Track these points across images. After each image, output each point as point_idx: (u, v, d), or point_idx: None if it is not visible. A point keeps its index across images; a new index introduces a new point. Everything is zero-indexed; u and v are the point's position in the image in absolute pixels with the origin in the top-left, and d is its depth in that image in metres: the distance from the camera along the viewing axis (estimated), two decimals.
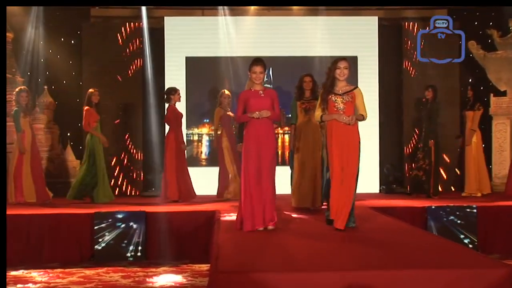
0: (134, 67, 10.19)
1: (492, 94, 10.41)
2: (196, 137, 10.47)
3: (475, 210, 7.18)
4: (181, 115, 8.81)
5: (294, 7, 10.32)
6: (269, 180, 5.74)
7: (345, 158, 5.65)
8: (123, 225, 7.17)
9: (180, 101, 8.86)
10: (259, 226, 5.66)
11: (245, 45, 10.22)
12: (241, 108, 5.83)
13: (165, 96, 8.79)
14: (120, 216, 7.18)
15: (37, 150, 8.75)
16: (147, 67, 10.13)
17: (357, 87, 5.83)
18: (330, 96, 5.71)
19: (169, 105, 8.73)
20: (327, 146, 5.83)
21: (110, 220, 7.16)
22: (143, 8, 9.92)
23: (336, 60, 5.79)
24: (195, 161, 10.25)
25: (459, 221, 7.10)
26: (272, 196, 5.77)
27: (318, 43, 10.31)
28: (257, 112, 5.69)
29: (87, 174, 8.61)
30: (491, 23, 10.46)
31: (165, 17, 10.32)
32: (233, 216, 6.99)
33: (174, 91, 8.72)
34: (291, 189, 7.80)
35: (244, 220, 5.71)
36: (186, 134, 10.04)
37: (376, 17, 10.61)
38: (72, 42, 10.08)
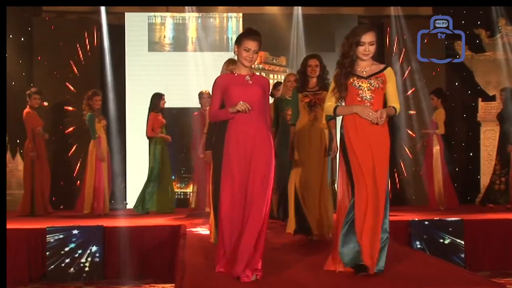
0: (91, 66, 10.22)
1: (480, 99, 10.68)
2: None
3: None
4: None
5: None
6: (260, 207, 4.43)
7: (373, 171, 4.47)
8: (78, 241, 7.15)
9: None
10: (237, 274, 4.34)
11: (212, 29, 10.47)
12: (217, 100, 4.66)
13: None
14: (75, 231, 7.15)
15: (106, 158, 9.12)
16: (106, 67, 10.17)
17: (387, 66, 4.65)
18: (351, 80, 4.52)
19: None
20: (344, 154, 4.59)
21: (63, 235, 7.12)
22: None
23: (357, 31, 4.51)
24: None
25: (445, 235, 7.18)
26: (262, 233, 4.44)
27: (295, 42, 10.43)
28: (241, 103, 4.42)
29: (151, 183, 9.04)
30: (479, 22, 10.69)
31: (125, 13, 10.40)
32: (201, 231, 7.02)
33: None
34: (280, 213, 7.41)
35: (218, 259, 4.62)
36: None
37: (356, 15, 10.73)
38: (22, 39, 10.02)
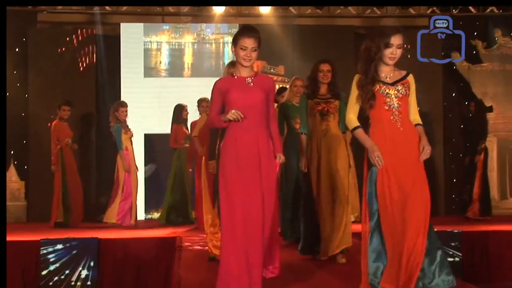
0: (87, 77, 10.23)
1: None
2: None
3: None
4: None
5: (265, 13, 10.54)
6: (266, 227, 4.15)
7: (409, 190, 4.04)
8: (73, 253, 7.07)
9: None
10: None
11: (208, 54, 10.44)
12: (216, 106, 4.33)
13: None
14: (69, 244, 7.06)
15: (134, 169, 9.24)
16: (101, 78, 10.21)
17: (409, 72, 4.35)
18: (377, 87, 4.19)
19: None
20: (371, 170, 4.15)
21: (59, 247, 7.09)
22: (97, 13, 10.03)
23: (386, 31, 4.21)
24: None
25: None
26: (275, 240, 4.30)
27: (290, 52, 10.46)
28: (232, 111, 4.07)
29: (175, 194, 9.29)
30: (475, 33, 10.78)
31: (121, 24, 10.44)
32: (196, 245, 7.02)
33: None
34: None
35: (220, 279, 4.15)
36: None
37: (352, 26, 10.81)
38: (17, 50, 10.04)
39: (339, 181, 5.89)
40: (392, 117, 4.09)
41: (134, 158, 9.16)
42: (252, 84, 4.23)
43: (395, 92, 4.13)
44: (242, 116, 4.03)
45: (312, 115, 6.05)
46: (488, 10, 10.74)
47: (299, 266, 5.74)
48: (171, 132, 9.22)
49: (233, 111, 4.02)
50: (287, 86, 7.97)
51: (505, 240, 7.63)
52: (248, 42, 4.18)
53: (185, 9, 10.26)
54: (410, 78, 4.20)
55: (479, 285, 6.67)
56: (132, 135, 9.20)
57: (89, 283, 7.05)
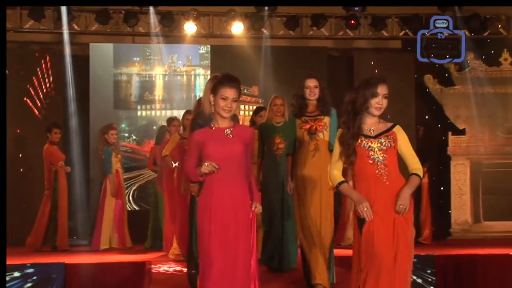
0: (53, 98, 10.30)
1: (450, 133, 10.91)
2: None
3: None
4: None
5: (237, 34, 10.71)
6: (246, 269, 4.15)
7: (395, 239, 4.11)
8: (36, 279, 6.98)
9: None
10: None
11: (179, 87, 10.66)
12: (192, 158, 4.26)
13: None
14: (30, 270, 6.91)
15: (123, 193, 9.54)
16: (69, 99, 10.24)
17: (396, 124, 4.36)
18: (359, 141, 4.21)
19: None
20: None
21: (21, 274, 6.95)
22: (65, 33, 10.08)
23: (370, 81, 4.25)
24: None
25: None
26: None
27: (263, 73, 10.61)
28: (205, 164, 4.05)
29: (154, 219, 9.54)
30: (447, 56, 10.92)
31: (90, 44, 10.55)
32: (162, 267, 7.08)
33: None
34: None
35: None
36: None
37: (325, 47, 10.99)
38: None
39: (328, 200, 5.87)
40: (377, 171, 4.08)
41: (122, 180, 9.40)
42: (231, 135, 4.13)
43: (378, 145, 4.12)
44: (217, 167, 3.97)
45: (300, 134, 5.96)
46: (459, 33, 10.83)
47: None
48: (149, 154, 9.39)
49: (206, 163, 3.97)
50: (263, 106, 8.02)
51: (479, 264, 7.69)
52: (229, 92, 4.08)
53: (156, 29, 10.44)
54: (397, 129, 4.19)
55: None
56: (120, 158, 9.42)
57: None
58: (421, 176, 4.16)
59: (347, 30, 10.79)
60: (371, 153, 4.11)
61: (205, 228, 4.07)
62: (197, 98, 8.64)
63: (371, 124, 4.16)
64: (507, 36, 11.27)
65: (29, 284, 6.91)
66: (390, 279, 3.96)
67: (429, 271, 7.10)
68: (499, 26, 11.22)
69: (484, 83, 11.10)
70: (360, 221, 4.07)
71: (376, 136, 4.13)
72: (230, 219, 4.05)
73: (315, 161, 5.89)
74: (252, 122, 8.12)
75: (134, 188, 10.94)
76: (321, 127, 5.90)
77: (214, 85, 4.13)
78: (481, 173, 11.12)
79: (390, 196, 4.04)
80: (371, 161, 4.09)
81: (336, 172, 4.18)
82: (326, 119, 5.89)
